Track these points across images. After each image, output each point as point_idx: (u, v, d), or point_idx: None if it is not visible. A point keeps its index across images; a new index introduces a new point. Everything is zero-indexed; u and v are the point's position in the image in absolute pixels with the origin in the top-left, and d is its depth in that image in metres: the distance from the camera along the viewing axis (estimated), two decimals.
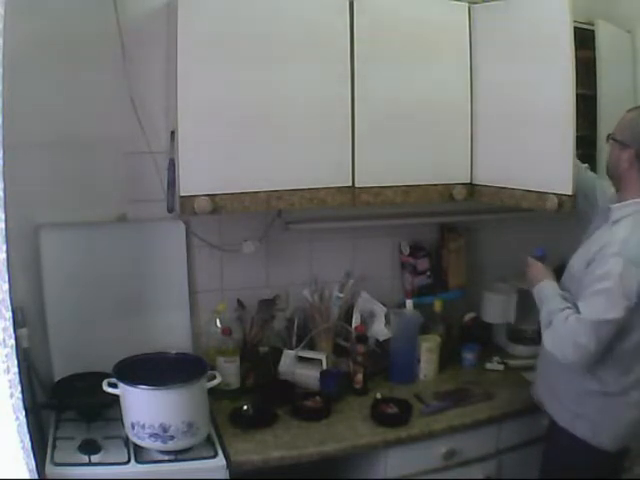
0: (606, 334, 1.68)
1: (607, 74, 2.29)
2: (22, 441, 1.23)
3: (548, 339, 1.77)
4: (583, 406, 1.81)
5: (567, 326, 1.71)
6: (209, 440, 1.82)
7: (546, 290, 1.85)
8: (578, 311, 1.71)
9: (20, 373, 1.24)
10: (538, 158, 2.03)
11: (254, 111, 1.93)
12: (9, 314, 1.19)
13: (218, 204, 1.92)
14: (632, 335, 1.72)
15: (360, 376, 2.16)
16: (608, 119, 2.15)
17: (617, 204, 1.79)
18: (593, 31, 2.28)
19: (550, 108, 1.98)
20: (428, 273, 2.55)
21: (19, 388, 1.22)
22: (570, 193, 1.93)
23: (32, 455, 1.28)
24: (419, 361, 2.30)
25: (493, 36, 2.16)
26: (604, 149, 2.12)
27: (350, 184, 2.08)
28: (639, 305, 1.67)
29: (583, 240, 1.89)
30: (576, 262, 1.84)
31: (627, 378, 1.76)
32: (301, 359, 2.24)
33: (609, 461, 1.82)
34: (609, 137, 1.84)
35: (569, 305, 1.75)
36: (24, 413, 1.24)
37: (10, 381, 1.19)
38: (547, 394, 1.94)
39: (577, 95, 1.93)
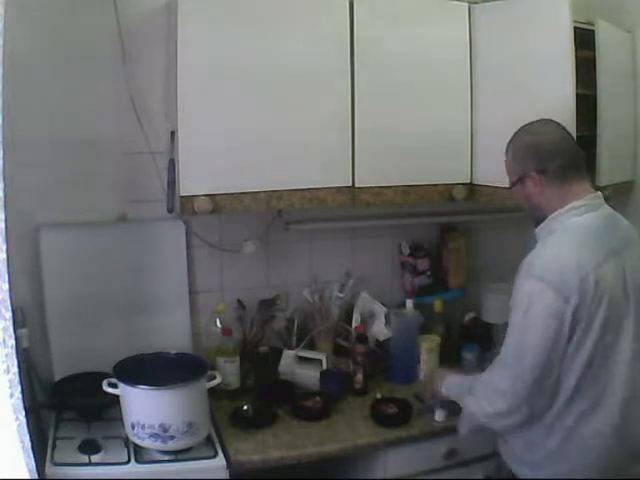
0: (532, 367, 1.53)
1: (607, 74, 2.29)
2: (22, 441, 1.23)
3: (475, 406, 1.65)
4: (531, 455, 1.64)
5: (486, 377, 1.65)
6: (209, 440, 1.82)
7: (452, 384, 1.81)
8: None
9: (20, 373, 1.24)
10: None
11: (254, 111, 1.93)
12: (9, 314, 1.20)
13: (218, 204, 1.92)
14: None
15: (360, 376, 2.16)
16: (608, 119, 2.17)
17: (538, 227, 1.69)
18: (593, 31, 2.27)
19: (551, 108, 1.98)
20: (428, 273, 2.55)
21: (19, 388, 1.22)
22: None
23: (32, 455, 1.28)
24: (419, 361, 2.30)
25: (493, 36, 2.17)
26: (603, 151, 2.13)
27: (350, 184, 2.08)
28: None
29: None
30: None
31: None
32: (301, 359, 2.24)
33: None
34: (510, 187, 1.73)
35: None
36: (24, 413, 1.24)
37: (10, 381, 1.19)
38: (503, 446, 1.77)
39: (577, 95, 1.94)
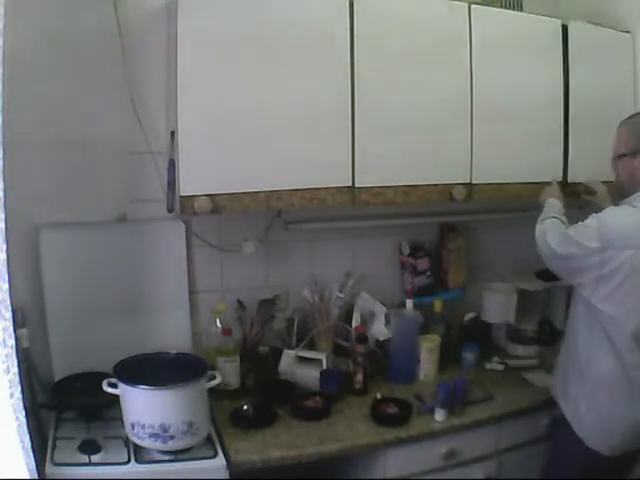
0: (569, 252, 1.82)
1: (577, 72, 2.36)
2: (22, 441, 1.23)
3: (537, 230, 1.95)
4: (591, 404, 1.84)
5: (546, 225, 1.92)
6: (209, 440, 1.82)
7: (553, 205, 2.02)
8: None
9: (20, 373, 1.24)
10: (534, 150, 2.06)
11: (254, 111, 1.93)
12: (9, 314, 1.20)
13: (218, 204, 1.92)
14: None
15: (360, 376, 2.16)
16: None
17: (632, 196, 1.86)
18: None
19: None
20: (428, 273, 2.55)
21: (19, 388, 1.22)
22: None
23: (32, 455, 1.28)
24: (419, 361, 2.30)
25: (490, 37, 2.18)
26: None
27: (350, 184, 2.08)
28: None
29: None
30: None
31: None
32: (301, 359, 2.24)
33: (609, 465, 1.84)
34: (618, 157, 1.91)
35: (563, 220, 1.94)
36: (24, 413, 1.24)
37: (10, 381, 1.19)
38: (560, 383, 1.99)
39: None
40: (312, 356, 2.24)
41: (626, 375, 1.80)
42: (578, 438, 1.85)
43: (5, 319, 1.18)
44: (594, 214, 1.86)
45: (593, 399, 1.84)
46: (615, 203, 1.98)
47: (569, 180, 2.37)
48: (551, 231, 1.90)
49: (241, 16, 1.89)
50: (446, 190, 2.21)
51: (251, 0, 1.91)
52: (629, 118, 1.93)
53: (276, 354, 2.24)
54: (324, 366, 2.20)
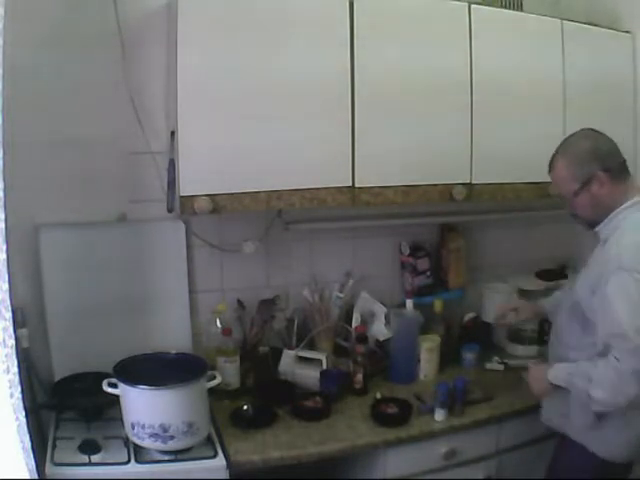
0: None
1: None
2: (22, 441, 1.23)
3: (599, 394, 1.65)
4: (598, 424, 1.76)
5: (610, 368, 1.63)
6: (209, 440, 1.82)
7: (560, 372, 1.78)
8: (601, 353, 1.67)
9: (20, 373, 1.24)
10: (534, 150, 2.04)
11: (254, 111, 1.93)
12: (9, 314, 1.20)
13: (218, 204, 1.92)
14: None
15: (360, 376, 2.16)
16: None
17: (601, 225, 1.78)
18: None
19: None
20: (428, 273, 2.55)
21: (19, 388, 1.22)
22: None
23: (32, 455, 1.28)
24: (419, 361, 2.30)
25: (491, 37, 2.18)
26: None
27: (350, 184, 2.08)
28: None
29: (581, 268, 1.89)
30: (579, 289, 1.80)
31: None
32: (301, 359, 2.24)
33: (618, 471, 1.83)
34: (573, 195, 1.78)
35: (591, 361, 1.69)
36: (24, 413, 1.24)
37: (10, 381, 1.19)
38: (558, 416, 1.88)
39: None
40: (312, 356, 2.24)
41: None
42: (588, 452, 1.80)
43: (5, 319, 1.18)
44: (605, 266, 1.69)
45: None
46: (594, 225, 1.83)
47: None
48: (623, 371, 1.61)
49: (241, 16, 1.89)
50: (446, 190, 2.21)
51: (251, 0, 1.91)
52: (561, 150, 1.82)
53: (276, 354, 2.24)
54: (324, 366, 2.20)
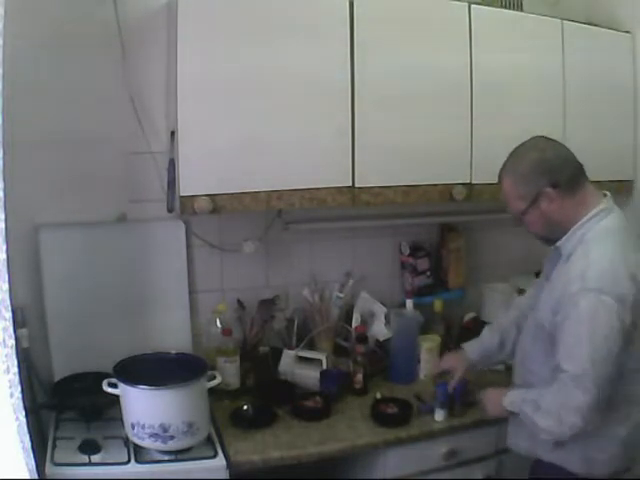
0: (605, 377, 1.51)
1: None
2: (22, 441, 1.23)
3: (544, 422, 1.59)
4: (572, 440, 1.63)
5: (557, 396, 1.56)
6: (209, 440, 1.82)
7: (516, 398, 1.70)
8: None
9: (20, 373, 1.24)
10: None
11: (254, 111, 1.93)
12: (9, 314, 1.20)
13: (218, 204, 1.92)
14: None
15: (360, 376, 2.16)
16: None
17: (562, 240, 1.66)
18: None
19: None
20: (428, 273, 2.55)
21: (19, 388, 1.22)
22: None
23: (32, 455, 1.28)
24: (419, 361, 2.30)
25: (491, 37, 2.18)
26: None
27: (350, 184, 2.08)
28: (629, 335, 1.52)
29: (543, 282, 1.78)
30: (542, 309, 1.69)
31: (612, 415, 1.61)
32: (301, 359, 2.24)
33: None
34: (519, 218, 1.68)
35: (544, 388, 1.61)
36: (24, 413, 1.24)
37: (10, 381, 1.19)
38: (526, 439, 1.75)
39: None
40: (312, 356, 2.24)
41: None
42: (561, 469, 1.68)
43: (5, 319, 1.18)
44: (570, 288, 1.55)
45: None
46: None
47: None
48: (563, 400, 1.55)
49: (241, 16, 1.89)
50: (446, 190, 2.21)
51: (251, 2, 1.91)
52: (506, 166, 1.69)
53: (276, 354, 2.24)
54: (324, 366, 2.20)
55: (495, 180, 2.26)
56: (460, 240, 2.59)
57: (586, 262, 1.56)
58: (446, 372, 2.06)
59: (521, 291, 2.49)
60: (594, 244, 1.59)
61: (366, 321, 2.37)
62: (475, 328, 2.51)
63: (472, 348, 2.05)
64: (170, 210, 2.06)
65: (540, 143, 1.68)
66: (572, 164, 1.64)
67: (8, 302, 1.19)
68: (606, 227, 1.61)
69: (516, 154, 1.69)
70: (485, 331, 2.07)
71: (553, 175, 1.61)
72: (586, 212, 1.62)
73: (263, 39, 1.91)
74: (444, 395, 1.99)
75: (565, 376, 1.55)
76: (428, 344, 2.31)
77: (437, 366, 2.12)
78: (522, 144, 1.71)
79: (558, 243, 1.67)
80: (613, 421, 1.62)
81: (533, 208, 1.64)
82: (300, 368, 2.22)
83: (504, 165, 1.70)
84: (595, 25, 2.46)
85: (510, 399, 1.72)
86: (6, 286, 1.18)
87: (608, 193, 1.69)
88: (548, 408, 1.59)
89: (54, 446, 1.74)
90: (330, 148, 2.04)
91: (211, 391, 1.82)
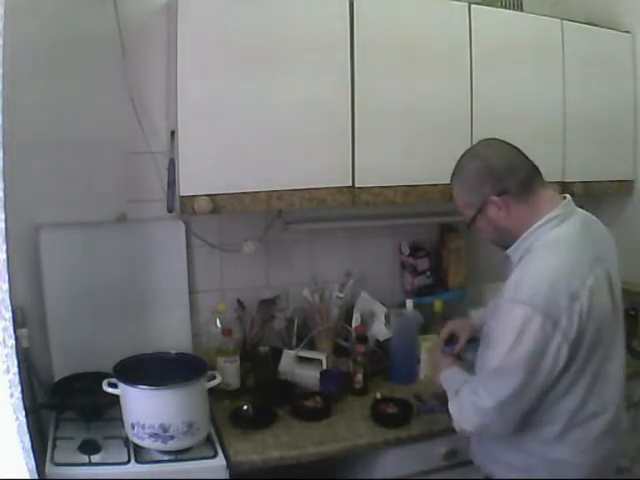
0: (511, 392, 1.47)
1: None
2: (22, 441, 1.23)
3: (453, 409, 1.61)
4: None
5: (467, 391, 1.56)
6: (209, 440, 1.81)
7: (448, 375, 1.71)
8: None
9: (20, 373, 1.23)
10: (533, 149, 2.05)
11: (254, 111, 1.93)
12: (9, 314, 1.19)
13: (218, 204, 1.92)
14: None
15: (360, 376, 2.16)
16: None
17: (511, 248, 1.59)
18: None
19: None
20: (428, 273, 2.55)
21: (19, 388, 1.22)
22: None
23: (32, 455, 1.28)
24: (419, 361, 2.29)
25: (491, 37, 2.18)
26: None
27: (350, 184, 2.08)
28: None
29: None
30: (487, 321, 1.66)
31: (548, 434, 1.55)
32: (301, 359, 2.24)
33: None
34: (469, 224, 1.64)
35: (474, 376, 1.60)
36: (24, 413, 1.24)
37: (10, 381, 1.19)
38: (486, 458, 1.72)
39: None
40: (312, 356, 2.24)
41: None
42: None
43: (5, 319, 1.18)
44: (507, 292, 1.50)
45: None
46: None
47: (566, 180, 2.37)
48: (460, 415, 1.57)
49: (241, 16, 1.89)
50: (446, 190, 2.18)
51: (251, 1, 1.91)
52: (454, 171, 1.65)
53: (276, 354, 2.24)
54: (324, 366, 2.20)
55: None
56: (460, 240, 2.59)
57: (523, 273, 1.49)
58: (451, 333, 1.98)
59: None
60: (538, 255, 1.50)
61: (366, 321, 2.37)
62: None
63: (478, 315, 2.02)
64: (170, 210, 2.06)
65: (485, 149, 1.62)
66: (521, 170, 1.55)
67: (8, 302, 1.19)
68: (557, 236, 1.52)
69: (461, 162, 1.64)
70: (491, 302, 1.98)
71: (502, 182, 1.54)
72: (537, 219, 1.53)
73: (263, 38, 1.91)
74: (450, 345, 1.92)
75: (481, 375, 1.56)
76: (428, 344, 2.30)
77: (443, 332, 1.99)
78: (468, 150, 1.67)
79: (508, 251, 1.60)
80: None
81: (481, 215, 1.58)
82: (300, 368, 2.22)
83: (454, 171, 1.65)
84: (595, 25, 2.46)
85: (445, 374, 1.72)
86: (6, 286, 1.18)
87: (568, 196, 1.60)
88: (460, 397, 1.58)
89: (54, 446, 1.74)
90: (330, 148, 2.04)
91: (211, 391, 1.82)
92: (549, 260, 1.48)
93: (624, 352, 1.63)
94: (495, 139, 1.63)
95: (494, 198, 1.55)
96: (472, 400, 1.54)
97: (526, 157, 1.59)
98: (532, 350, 1.44)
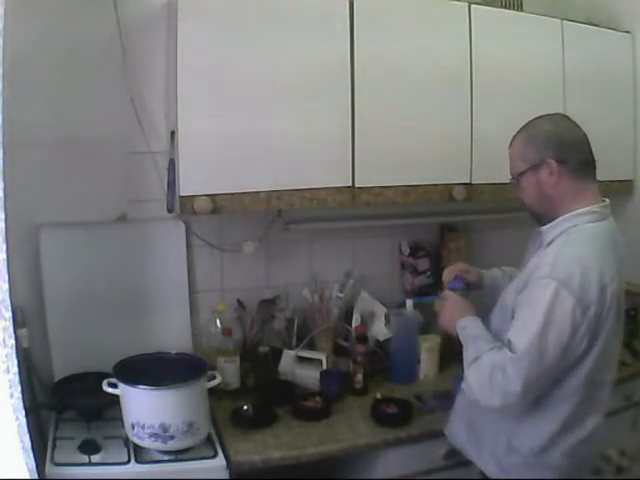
0: (537, 374, 1.48)
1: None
2: (22, 441, 1.23)
3: (471, 377, 1.56)
4: (513, 464, 1.60)
5: (496, 369, 1.50)
6: (209, 440, 1.81)
7: (470, 329, 1.64)
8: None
9: (20, 373, 1.23)
10: None
11: (254, 111, 1.93)
12: (9, 314, 1.19)
13: (218, 204, 1.92)
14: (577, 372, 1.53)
15: (360, 376, 2.16)
16: None
17: (547, 225, 1.61)
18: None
19: None
20: (428, 273, 2.55)
21: (19, 388, 1.22)
22: None
23: (32, 455, 1.28)
24: (419, 361, 2.30)
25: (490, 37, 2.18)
26: None
27: (350, 184, 2.08)
28: (578, 335, 1.47)
29: (517, 272, 1.75)
30: (508, 294, 1.65)
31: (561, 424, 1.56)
32: (301, 359, 2.24)
33: None
34: (515, 178, 1.65)
35: (499, 345, 1.55)
36: (24, 413, 1.24)
37: (10, 381, 1.19)
38: (472, 442, 1.72)
39: None
40: (312, 356, 2.24)
41: None
42: None
43: (5, 319, 1.18)
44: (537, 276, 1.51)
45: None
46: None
47: None
48: (483, 389, 1.53)
49: (241, 16, 1.89)
50: (446, 190, 2.21)
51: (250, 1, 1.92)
52: (525, 126, 1.67)
53: (276, 354, 2.24)
54: (324, 366, 2.20)
55: (495, 180, 2.27)
56: (460, 240, 2.59)
57: (560, 254, 1.52)
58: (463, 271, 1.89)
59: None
60: (575, 241, 1.54)
61: (366, 321, 2.37)
62: None
63: (484, 272, 1.96)
64: (170, 210, 2.06)
65: (562, 120, 1.66)
66: (585, 152, 1.61)
67: (8, 302, 1.19)
68: (593, 231, 1.56)
69: (535, 121, 1.67)
70: (502, 272, 1.99)
71: (561, 151, 1.58)
72: (580, 205, 1.57)
73: (263, 39, 1.91)
74: (459, 282, 1.82)
75: (507, 354, 1.50)
76: (428, 344, 2.31)
77: (447, 272, 1.88)
78: (549, 114, 1.69)
79: (543, 228, 1.63)
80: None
81: (532, 173, 1.60)
82: (300, 368, 2.22)
83: (522, 127, 1.68)
84: (595, 25, 2.46)
85: (464, 323, 1.66)
86: (6, 286, 1.18)
87: (608, 200, 1.64)
88: (482, 366, 1.53)
89: (54, 446, 1.74)
90: (330, 148, 2.04)
91: (211, 391, 1.82)
92: (585, 249, 1.52)
93: (617, 361, 1.66)
94: (567, 116, 1.67)
95: (551, 161, 1.57)
96: (498, 380, 1.49)
97: (591, 149, 1.63)
98: (562, 331, 1.46)
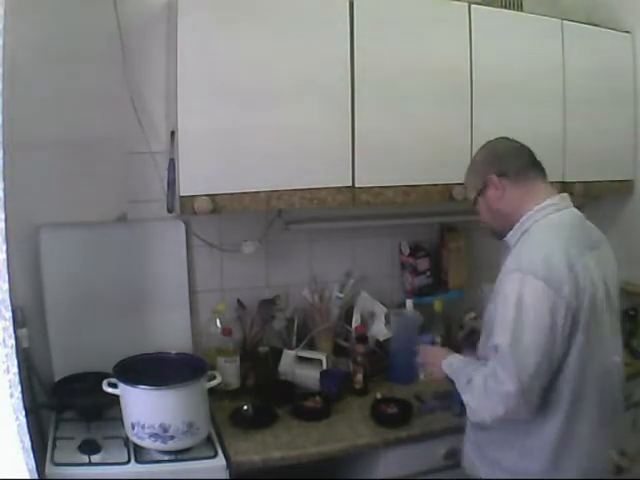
0: (528, 366, 1.47)
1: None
2: (22, 441, 1.23)
3: (469, 399, 1.58)
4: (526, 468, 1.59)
5: (486, 378, 1.53)
6: (209, 440, 1.81)
7: (455, 364, 1.69)
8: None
9: (20, 373, 1.23)
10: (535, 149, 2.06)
11: (254, 111, 1.93)
12: (9, 314, 1.19)
13: (218, 204, 1.92)
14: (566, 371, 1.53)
15: (360, 376, 2.16)
16: None
17: (510, 233, 1.66)
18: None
19: None
20: (428, 273, 2.55)
21: (19, 388, 1.22)
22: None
23: (32, 455, 1.28)
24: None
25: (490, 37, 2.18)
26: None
27: (350, 184, 2.08)
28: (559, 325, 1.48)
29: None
30: (487, 311, 1.68)
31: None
32: (301, 359, 2.24)
33: None
34: (473, 204, 1.74)
35: (485, 362, 1.58)
36: (24, 413, 1.24)
37: (10, 381, 1.19)
38: (482, 462, 1.69)
39: None
40: (312, 356, 2.24)
41: None
42: None
43: (5, 319, 1.18)
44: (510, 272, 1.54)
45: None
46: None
47: (566, 180, 2.38)
48: (480, 404, 1.55)
49: (241, 16, 1.89)
50: (446, 190, 2.21)
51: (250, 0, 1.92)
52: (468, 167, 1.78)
53: (276, 354, 2.24)
54: (324, 366, 2.20)
55: None
56: (460, 240, 2.59)
57: (523, 247, 1.58)
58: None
59: None
60: (536, 233, 1.59)
61: (366, 321, 2.37)
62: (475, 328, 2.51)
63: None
64: (170, 210, 2.06)
65: (495, 141, 1.75)
66: (521, 157, 1.67)
67: (8, 302, 1.19)
68: (552, 221, 1.60)
69: (476, 153, 1.79)
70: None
71: (499, 165, 1.67)
72: (533, 205, 1.62)
73: (263, 39, 1.91)
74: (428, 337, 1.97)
75: (494, 361, 1.52)
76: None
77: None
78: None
79: (506, 238, 1.68)
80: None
81: (482, 196, 1.70)
82: (300, 368, 2.22)
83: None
84: (595, 25, 2.47)
85: (449, 361, 1.72)
86: (6, 286, 1.18)
87: (567, 194, 1.69)
88: (476, 386, 1.56)
89: (54, 446, 1.74)
90: (330, 148, 2.04)
91: (211, 391, 1.82)
92: (547, 236, 1.57)
93: (609, 348, 1.63)
94: (504, 137, 1.75)
95: (492, 177, 1.66)
96: (492, 387, 1.51)
97: (531, 153, 1.70)
98: (540, 315, 1.47)
